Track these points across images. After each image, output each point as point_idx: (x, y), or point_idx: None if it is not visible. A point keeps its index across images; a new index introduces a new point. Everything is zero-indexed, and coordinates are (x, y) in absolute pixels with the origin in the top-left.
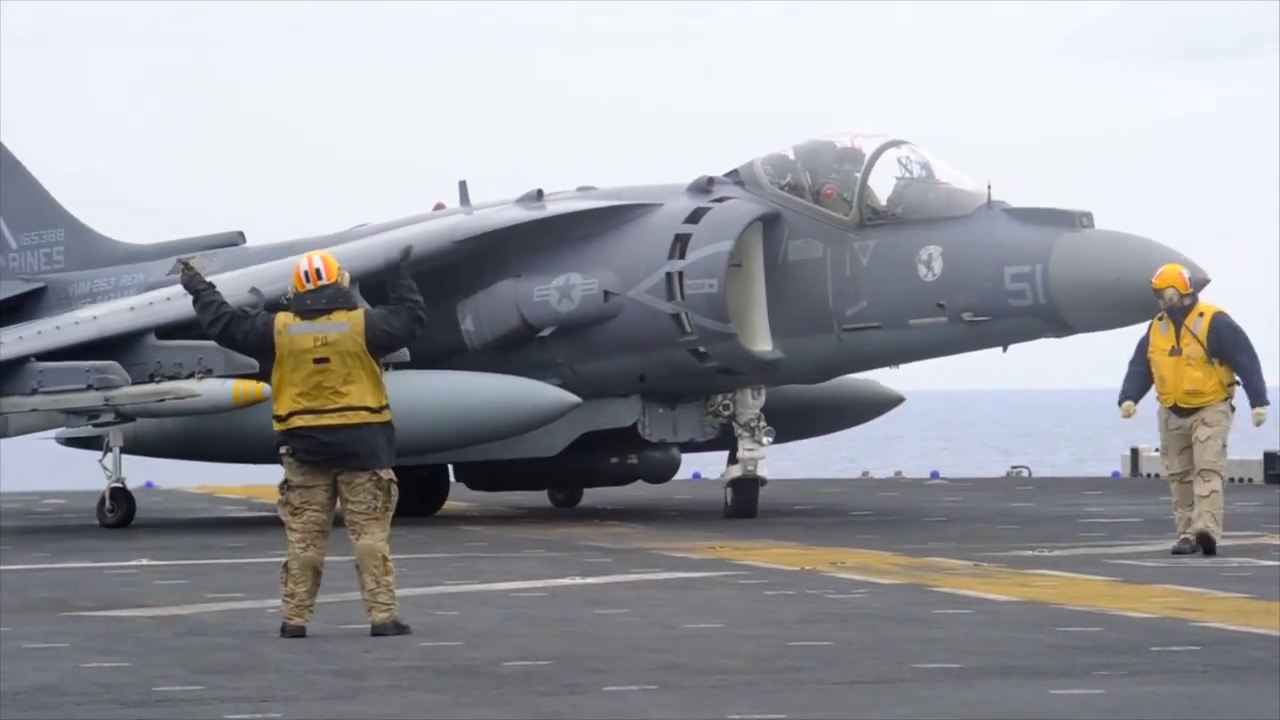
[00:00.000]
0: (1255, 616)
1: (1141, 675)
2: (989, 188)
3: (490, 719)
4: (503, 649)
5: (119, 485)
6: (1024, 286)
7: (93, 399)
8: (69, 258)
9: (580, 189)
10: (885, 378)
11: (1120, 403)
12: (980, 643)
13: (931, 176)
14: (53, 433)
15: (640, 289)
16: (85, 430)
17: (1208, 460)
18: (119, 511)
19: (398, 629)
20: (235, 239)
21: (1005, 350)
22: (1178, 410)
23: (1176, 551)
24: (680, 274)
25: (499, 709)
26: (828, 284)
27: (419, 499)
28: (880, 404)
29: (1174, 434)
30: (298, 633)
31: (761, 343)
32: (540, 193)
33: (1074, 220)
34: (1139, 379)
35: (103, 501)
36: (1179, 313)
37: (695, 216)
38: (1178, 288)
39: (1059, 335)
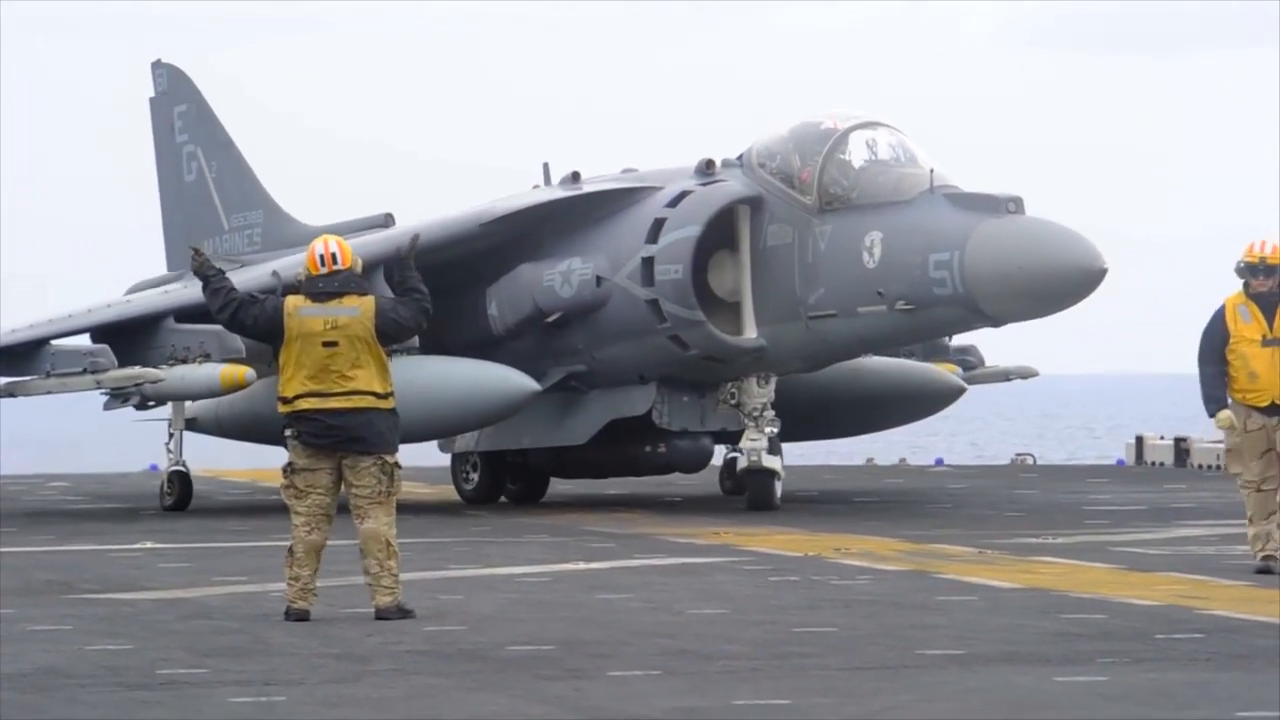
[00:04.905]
0: (1259, 604)
1: (1145, 662)
2: (931, 171)
3: (494, 703)
4: (507, 633)
5: (178, 469)
6: (945, 274)
7: (87, 382)
8: (265, 239)
9: (624, 171)
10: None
11: (1212, 412)
12: (984, 629)
13: (897, 160)
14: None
15: (622, 274)
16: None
17: None
18: (174, 495)
19: (401, 613)
20: (385, 220)
21: (950, 340)
22: (1269, 409)
23: (1263, 570)
24: (652, 259)
25: (502, 693)
26: (795, 270)
27: (523, 487)
28: (945, 394)
29: (1254, 435)
30: (302, 616)
31: (747, 330)
32: (577, 175)
33: (1000, 206)
34: (1222, 379)
35: (163, 485)
36: (1271, 296)
37: (676, 200)
38: None
39: (986, 325)
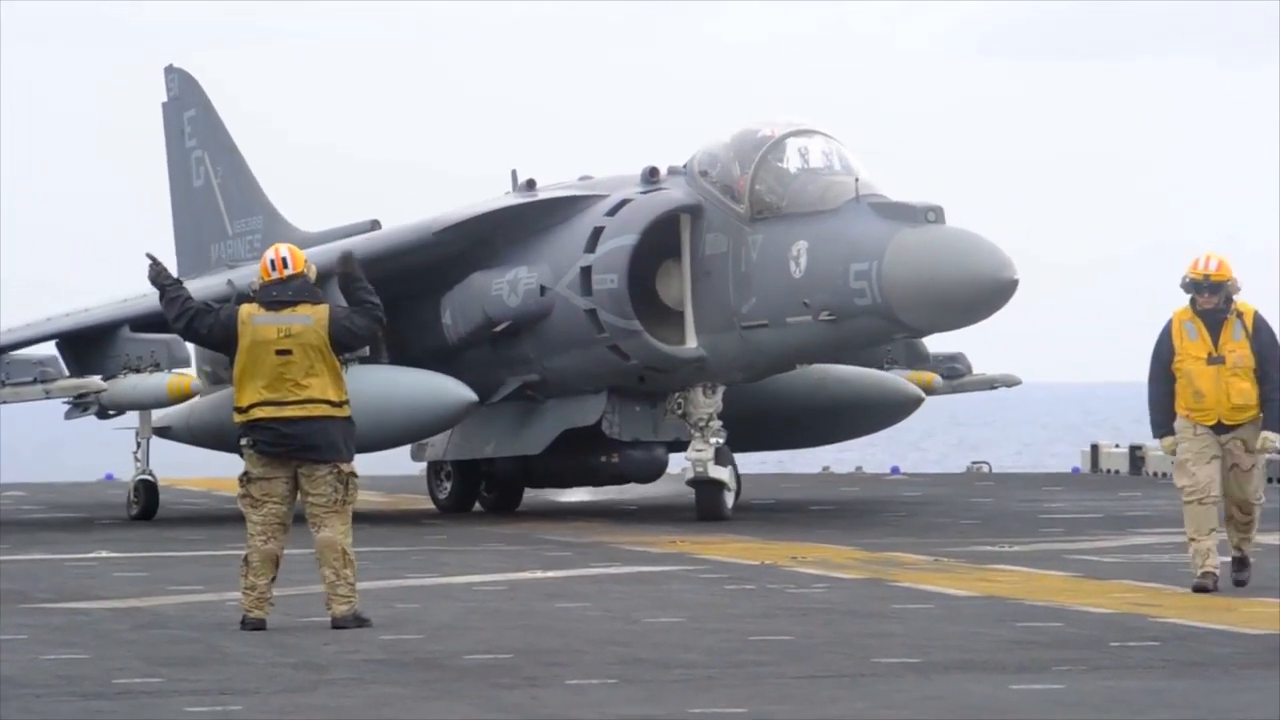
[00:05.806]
0: (1214, 612)
1: (1101, 670)
2: (856, 180)
3: (451, 712)
4: (463, 642)
5: (145, 478)
6: (864, 284)
7: (37, 392)
8: (265, 245)
9: (581, 179)
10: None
11: (1159, 436)
12: (940, 637)
13: (829, 168)
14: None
15: (563, 284)
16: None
17: (1251, 492)
18: (140, 504)
19: (358, 622)
20: (372, 226)
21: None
22: (1216, 428)
23: (1200, 589)
24: (590, 269)
25: (459, 702)
26: (729, 279)
27: (497, 495)
28: (905, 404)
29: (1201, 438)
30: (258, 625)
31: (689, 339)
32: (532, 182)
33: (919, 215)
34: (1170, 400)
35: (129, 494)
36: (1217, 313)
37: (616, 209)
38: (1235, 283)
39: (908, 335)
